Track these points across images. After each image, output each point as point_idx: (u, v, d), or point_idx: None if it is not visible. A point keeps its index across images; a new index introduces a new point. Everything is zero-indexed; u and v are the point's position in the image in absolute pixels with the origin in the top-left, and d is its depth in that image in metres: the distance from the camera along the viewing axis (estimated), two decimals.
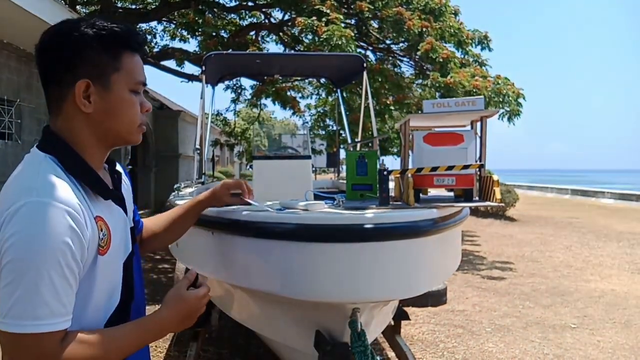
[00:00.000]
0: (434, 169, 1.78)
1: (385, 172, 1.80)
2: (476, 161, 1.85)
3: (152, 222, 1.42)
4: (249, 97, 10.84)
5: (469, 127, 2.02)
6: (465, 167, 1.77)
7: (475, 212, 12.38)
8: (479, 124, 1.92)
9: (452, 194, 2.08)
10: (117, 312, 1.05)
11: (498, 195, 1.75)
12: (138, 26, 10.91)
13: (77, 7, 9.40)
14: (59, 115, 1.01)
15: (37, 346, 0.85)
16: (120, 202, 1.11)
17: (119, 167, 1.19)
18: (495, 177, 1.77)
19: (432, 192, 2.19)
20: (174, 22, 10.79)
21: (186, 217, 1.46)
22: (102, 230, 0.97)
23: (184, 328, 1.10)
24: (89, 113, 1.00)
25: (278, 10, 9.42)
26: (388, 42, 8.75)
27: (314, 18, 6.65)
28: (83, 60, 0.98)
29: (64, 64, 0.98)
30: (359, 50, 7.47)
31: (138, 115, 1.06)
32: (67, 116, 1.00)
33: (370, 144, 5.14)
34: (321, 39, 6.33)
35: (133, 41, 1.04)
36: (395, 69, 8.77)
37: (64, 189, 0.91)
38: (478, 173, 1.88)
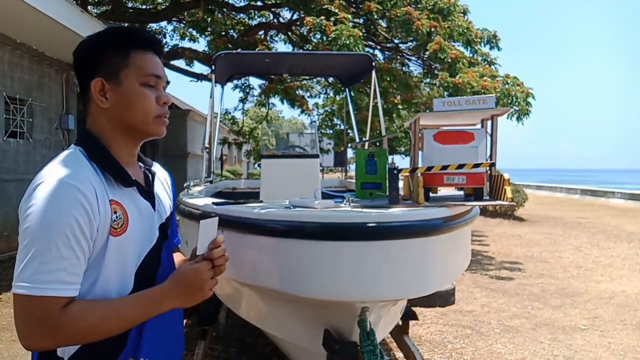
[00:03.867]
0: (444, 167, 1.78)
1: (395, 171, 1.80)
2: (487, 160, 1.84)
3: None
4: (257, 96, 10.88)
5: (479, 126, 2.01)
6: (476, 165, 1.75)
7: (483, 211, 12.30)
8: (489, 122, 1.91)
9: (461, 192, 2.07)
10: None
11: (509, 194, 1.74)
12: (148, 26, 10.99)
13: (89, 7, 9.48)
14: (89, 116, 1.13)
15: (40, 309, 0.93)
16: (149, 196, 1.17)
17: (158, 170, 1.29)
18: (506, 176, 1.76)
19: (442, 190, 2.18)
20: (184, 21, 10.84)
21: None
22: (116, 213, 1.04)
23: (190, 302, 1.10)
24: (107, 109, 1.10)
25: (287, 10, 9.44)
26: (396, 41, 8.73)
27: (323, 18, 6.65)
28: (97, 63, 1.10)
29: (84, 70, 1.11)
30: (367, 49, 7.47)
31: (152, 107, 1.11)
32: (93, 114, 1.12)
33: (378, 143, 5.13)
34: (329, 39, 6.33)
35: (140, 39, 1.12)
36: (404, 68, 8.75)
37: (80, 172, 1.02)
38: (488, 172, 1.86)
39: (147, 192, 1.17)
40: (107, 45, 1.10)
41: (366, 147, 4.84)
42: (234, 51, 6.34)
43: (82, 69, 1.12)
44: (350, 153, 6.85)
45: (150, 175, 1.22)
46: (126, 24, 9.39)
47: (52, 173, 1.00)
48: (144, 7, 11.19)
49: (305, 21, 6.92)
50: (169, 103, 1.15)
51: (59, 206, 0.95)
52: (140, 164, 1.23)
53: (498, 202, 1.83)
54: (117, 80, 1.09)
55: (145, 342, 1.11)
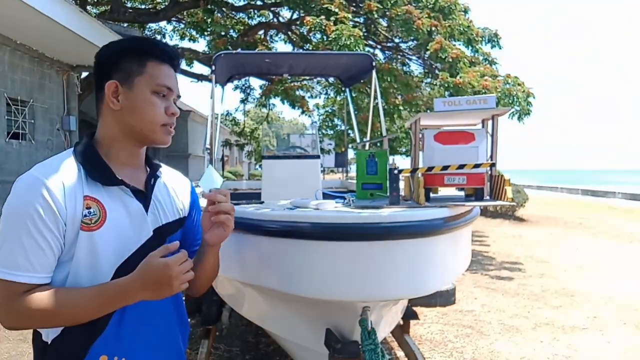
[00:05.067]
0: (445, 167, 1.78)
1: (395, 171, 1.81)
2: (487, 160, 1.85)
3: None
4: (258, 96, 10.88)
5: (480, 126, 2.01)
6: (477, 166, 1.76)
7: (484, 212, 12.30)
8: (490, 122, 1.92)
9: (462, 193, 2.08)
10: None
11: (509, 194, 1.75)
12: (147, 26, 10.99)
13: (88, 7, 9.47)
14: (99, 114, 1.18)
15: (2, 291, 1.01)
16: (143, 197, 1.17)
17: (169, 175, 1.30)
18: (506, 176, 1.77)
19: (442, 191, 2.18)
20: (183, 21, 10.85)
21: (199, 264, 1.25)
22: (89, 209, 1.07)
23: (158, 296, 1.05)
24: (117, 111, 1.15)
25: (286, 9, 9.44)
26: (397, 40, 8.72)
27: (323, 17, 6.65)
28: (114, 67, 1.15)
29: (101, 71, 1.17)
30: (367, 48, 7.46)
31: (160, 116, 1.15)
32: (103, 114, 1.17)
33: (378, 144, 5.14)
34: (330, 39, 6.33)
35: (158, 50, 1.17)
36: (404, 68, 8.74)
37: (56, 168, 1.07)
38: (489, 172, 1.87)
39: (142, 193, 1.17)
40: (127, 51, 1.16)
41: (367, 147, 4.84)
42: (234, 51, 6.34)
43: (101, 70, 1.17)
44: (351, 154, 6.86)
45: (153, 178, 1.23)
46: (125, 24, 9.38)
47: (30, 170, 1.07)
48: (143, 7, 11.19)
49: (305, 21, 6.92)
50: (177, 115, 1.19)
51: (22, 198, 1.03)
52: (148, 167, 1.26)
53: (498, 202, 1.84)
54: (130, 85, 1.13)
55: (125, 338, 1.10)
